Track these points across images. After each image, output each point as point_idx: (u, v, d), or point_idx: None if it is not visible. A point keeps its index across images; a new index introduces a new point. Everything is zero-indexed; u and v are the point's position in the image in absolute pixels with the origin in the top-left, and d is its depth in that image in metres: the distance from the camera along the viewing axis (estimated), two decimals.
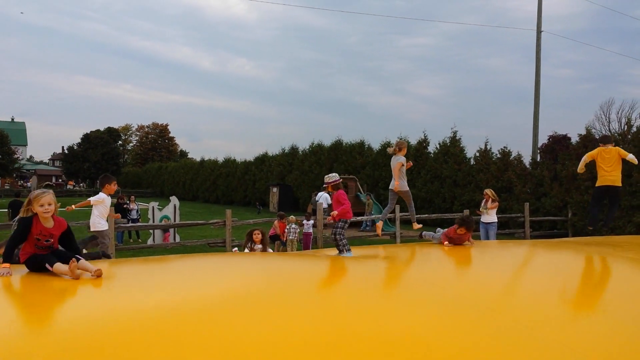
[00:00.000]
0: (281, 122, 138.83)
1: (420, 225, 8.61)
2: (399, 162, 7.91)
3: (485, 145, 23.69)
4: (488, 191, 12.43)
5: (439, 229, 7.73)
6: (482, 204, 12.46)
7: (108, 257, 6.65)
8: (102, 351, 2.30)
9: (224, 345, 2.45)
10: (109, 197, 7.54)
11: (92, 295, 3.36)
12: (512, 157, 22.60)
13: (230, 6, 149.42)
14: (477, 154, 23.76)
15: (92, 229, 7.51)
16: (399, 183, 7.81)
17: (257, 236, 7.53)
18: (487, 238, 12.03)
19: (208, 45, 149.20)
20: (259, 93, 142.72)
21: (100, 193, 7.44)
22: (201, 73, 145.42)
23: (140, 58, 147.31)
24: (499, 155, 22.89)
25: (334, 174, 6.64)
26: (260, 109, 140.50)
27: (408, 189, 8.27)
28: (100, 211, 7.40)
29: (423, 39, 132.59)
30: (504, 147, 22.91)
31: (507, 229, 19.18)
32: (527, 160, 23.01)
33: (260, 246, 7.52)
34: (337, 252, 6.23)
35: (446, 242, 6.88)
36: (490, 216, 12.20)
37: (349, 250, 6.19)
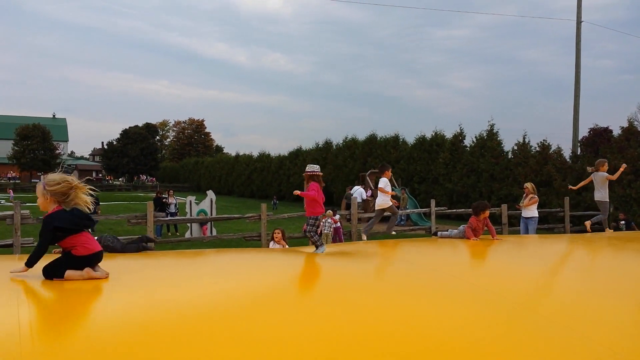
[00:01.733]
0: (315, 116, 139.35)
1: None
2: (604, 176, 10.00)
3: (524, 138, 23.26)
4: (528, 185, 12.17)
5: (449, 228, 8.00)
6: (523, 198, 12.27)
7: (152, 241, 6.92)
8: (135, 345, 2.37)
9: (254, 341, 2.49)
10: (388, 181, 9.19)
11: (130, 289, 3.45)
12: (551, 150, 22.12)
13: (265, 0, 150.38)
14: (515, 148, 23.35)
15: (377, 207, 9.20)
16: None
17: (277, 235, 7.99)
18: (527, 233, 11.84)
19: (243, 40, 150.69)
20: (293, 87, 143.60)
21: (382, 178, 9.06)
22: (236, 68, 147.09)
23: (176, 54, 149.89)
24: (537, 149, 22.43)
25: (317, 166, 6.56)
26: (294, 103, 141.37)
27: (607, 200, 10.34)
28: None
29: (459, 30, 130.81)
30: (543, 140, 22.47)
31: (547, 224, 18.77)
32: (567, 153, 22.48)
33: (279, 245, 7.85)
34: (315, 248, 6.18)
35: (473, 238, 6.90)
36: (530, 211, 11.97)
37: (322, 244, 6.21)
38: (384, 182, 8.96)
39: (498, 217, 16.49)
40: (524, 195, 12.19)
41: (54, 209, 3.56)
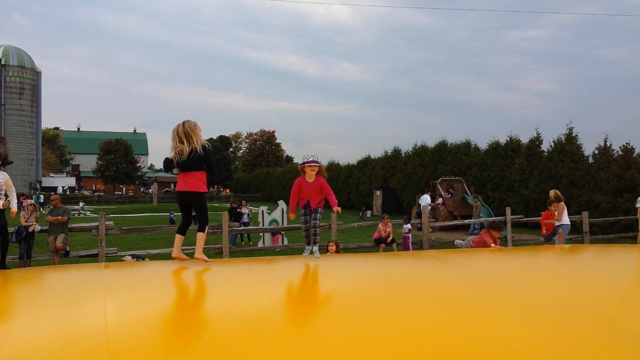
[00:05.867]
0: (384, 124, 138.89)
1: None
2: None
3: (605, 141, 22.11)
4: (552, 193, 11.64)
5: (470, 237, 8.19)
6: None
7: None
8: (228, 338, 2.45)
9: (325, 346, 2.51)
10: None
11: (219, 288, 3.58)
12: (635, 154, 20.87)
13: (335, 12, 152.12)
14: (596, 152, 22.23)
15: None
16: None
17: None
18: (555, 242, 11.11)
19: (313, 52, 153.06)
20: (362, 96, 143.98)
21: None
22: (306, 79, 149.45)
23: (249, 68, 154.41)
24: (620, 152, 21.23)
25: (315, 154, 5.39)
26: (364, 112, 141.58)
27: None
28: None
29: (535, 31, 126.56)
30: (626, 143, 21.23)
31: (631, 232, 17.73)
32: None
33: None
34: (312, 245, 5.21)
35: (493, 245, 7.08)
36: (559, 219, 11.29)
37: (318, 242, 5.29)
38: None
39: (579, 225, 15.72)
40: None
41: None
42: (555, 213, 10.88)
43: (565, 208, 11.31)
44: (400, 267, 5.24)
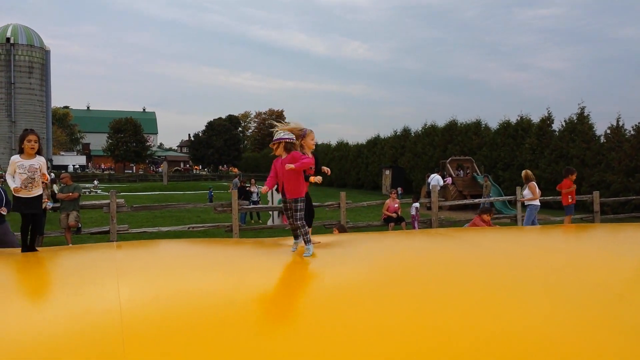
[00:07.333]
0: (394, 104, 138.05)
1: None
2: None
3: (617, 121, 21.89)
4: (523, 174, 11.71)
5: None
6: (522, 189, 11.76)
7: None
8: (229, 321, 2.48)
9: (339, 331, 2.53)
10: None
11: (224, 272, 3.61)
12: None
13: None
14: (608, 131, 22.00)
15: None
16: None
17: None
18: (529, 220, 11.25)
19: (322, 30, 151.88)
20: (372, 75, 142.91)
21: None
22: (315, 58, 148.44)
23: (258, 46, 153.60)
24: (633, 132, 21.00)
25: (288, 130, 4.51)
26: (373, 91, 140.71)
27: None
28: None
29: (548, 9, 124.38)
30: (639, 123, 20.99)
31: None
32: None
33: None
34: (297, 241, 4.29)
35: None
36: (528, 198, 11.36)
37: (310, 241, 4.11)
38: None
39: (589, 205, 15.65)
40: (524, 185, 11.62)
41: None
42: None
43: (537, 188, 11.48)
44: (411, 245, 5.25)
